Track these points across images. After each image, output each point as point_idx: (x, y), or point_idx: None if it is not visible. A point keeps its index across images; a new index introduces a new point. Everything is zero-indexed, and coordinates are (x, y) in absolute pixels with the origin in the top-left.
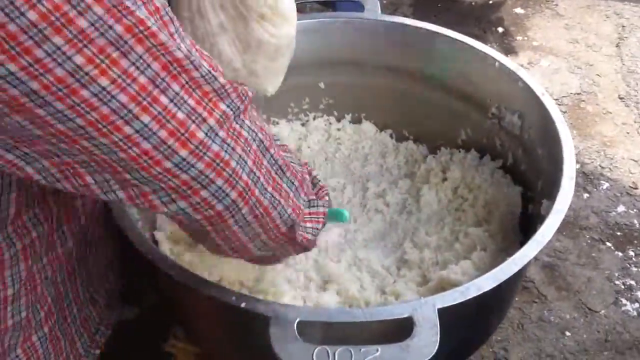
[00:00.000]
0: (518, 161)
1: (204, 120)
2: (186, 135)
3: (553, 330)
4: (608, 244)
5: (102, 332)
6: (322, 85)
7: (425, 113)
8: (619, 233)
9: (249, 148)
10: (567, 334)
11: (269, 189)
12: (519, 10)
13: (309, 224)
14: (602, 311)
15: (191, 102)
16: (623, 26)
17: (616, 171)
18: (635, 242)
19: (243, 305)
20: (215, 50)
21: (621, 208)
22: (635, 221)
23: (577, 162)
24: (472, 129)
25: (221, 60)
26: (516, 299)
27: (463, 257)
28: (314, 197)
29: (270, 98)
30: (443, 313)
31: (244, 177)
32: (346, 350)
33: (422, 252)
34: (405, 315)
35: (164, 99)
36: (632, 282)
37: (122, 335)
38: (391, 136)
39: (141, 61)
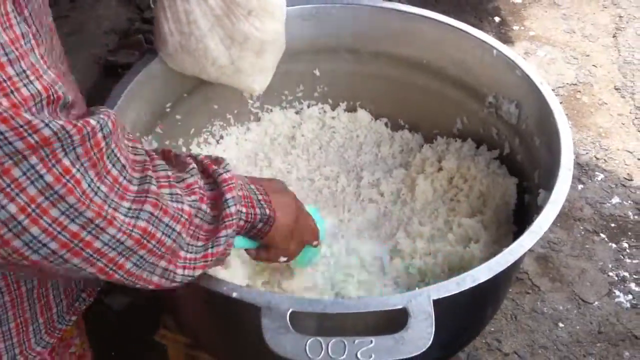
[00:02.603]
0: (514, 151)
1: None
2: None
3: (546, 322)
4: (602, 235)
5: (83, 299)
6: (317, 72)
7: (421, 101)
8: (613, 224)
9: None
10: (560, 325)
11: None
12: None
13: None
14: (596, 302)
15: None
16: (620, 16)
17: (611, 162)
18: (629, 233)
19: (234, 295)
20: (201, 47)
21: (615, 199)
22: (630, 213)
23: None
24: (468, 118)
25: (207, 58)
26: (509, 290)
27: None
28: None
29: None
30: (438, 304)
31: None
32: (340, 341)
33: (414, 242)
34: (400, 307)
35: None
36: (626, 274)
37: (114, 325)
38: (386, 125)
39: None
